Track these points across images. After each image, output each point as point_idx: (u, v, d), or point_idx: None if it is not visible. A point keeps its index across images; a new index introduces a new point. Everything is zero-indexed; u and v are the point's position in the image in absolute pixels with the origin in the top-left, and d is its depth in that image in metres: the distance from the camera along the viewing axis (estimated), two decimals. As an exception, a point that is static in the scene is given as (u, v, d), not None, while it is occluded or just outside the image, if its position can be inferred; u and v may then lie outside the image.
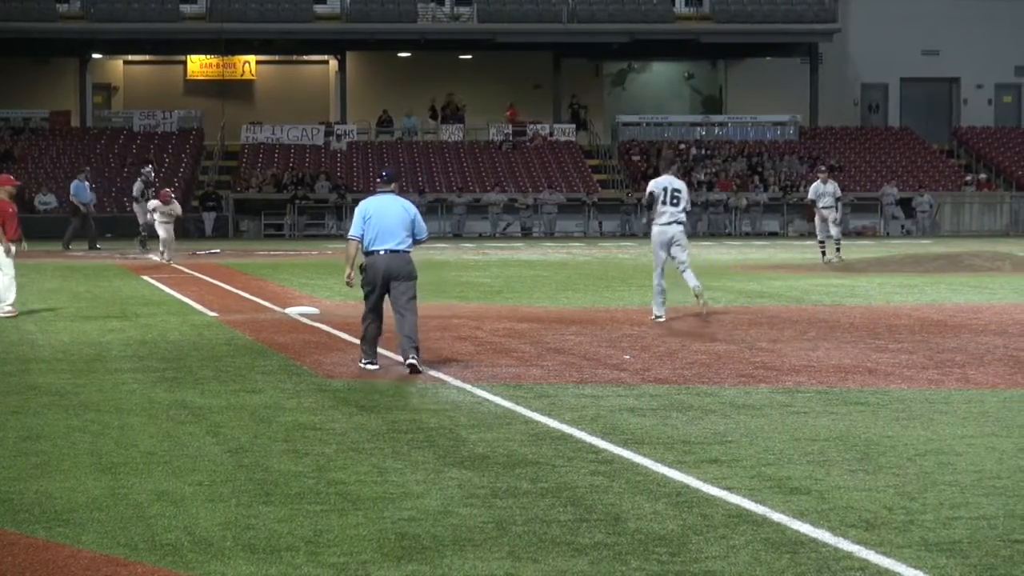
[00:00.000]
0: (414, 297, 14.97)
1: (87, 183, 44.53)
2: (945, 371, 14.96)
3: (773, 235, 57.79)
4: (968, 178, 61.99)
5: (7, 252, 21.00)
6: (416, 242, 15.11)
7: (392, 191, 15.25)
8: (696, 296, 20.36)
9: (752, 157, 62.43)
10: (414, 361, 14.77)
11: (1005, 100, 68.01)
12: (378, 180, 15.49)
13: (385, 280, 14.84)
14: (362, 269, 14.98)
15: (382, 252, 14.83)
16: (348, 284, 15.42)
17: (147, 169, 42.96)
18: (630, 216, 58.65)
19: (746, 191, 59.65)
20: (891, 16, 65.75)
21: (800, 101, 64.76)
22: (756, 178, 60.73)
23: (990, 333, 18.61)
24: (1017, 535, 8.02)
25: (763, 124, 64.66)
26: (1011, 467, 9.87)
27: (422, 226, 15.13)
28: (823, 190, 34.69)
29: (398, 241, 14.87)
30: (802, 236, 56.59)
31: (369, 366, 15.14)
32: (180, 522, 8.29)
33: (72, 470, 9.81)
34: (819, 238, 35.37)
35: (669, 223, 20.10)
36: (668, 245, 20.05)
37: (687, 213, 20.36)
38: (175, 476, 9.58)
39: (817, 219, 35.21)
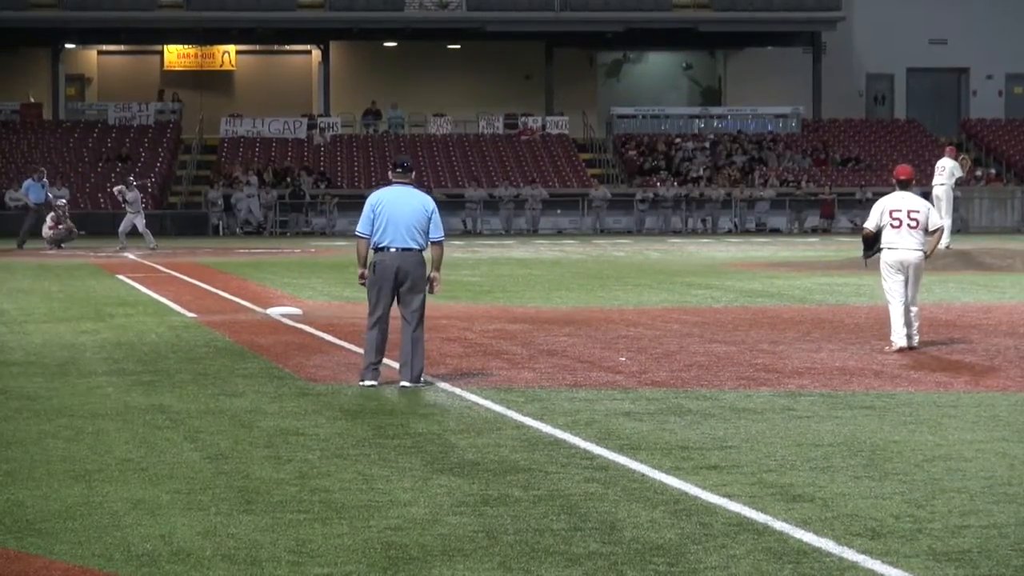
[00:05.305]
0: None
1: (42, 182, 44.57)
2: (954, 373, 14.96)
3: (775, 232, 57.02)
4: (977, 172, 60.88)
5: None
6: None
7: (409, 183, 14.02)
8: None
9: (753, 151, 61.60)
10: (407, 384, 13.87)
11: (1016, 91, 67.49)
12: (397, 170, 14.07)
13: (396, 281, 13.71)
14: (373, 268, 13.87)
15: (393, 250, 13.70)
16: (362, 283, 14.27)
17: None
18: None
19: (748, 186, 58.87)
20: (897, 4, 65.15)
21: (802, 92, 64.24)
22: (757, 173, 59.92)
23: (1001, 334, 18.58)
24: (1026, 542, 7.97)
25: (764, 116, 64.04)
26: (1023, 473, 9.84)
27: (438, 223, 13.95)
28: None
29: (411, 239, 13.70)
30: (805, 233, 56.33)
31: (367, 382, 13.97)
32: (157, 531, 8.32)
33: (45, 478, 9.83)
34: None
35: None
36: None
37: None
38: (152, 484, 9.62)
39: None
